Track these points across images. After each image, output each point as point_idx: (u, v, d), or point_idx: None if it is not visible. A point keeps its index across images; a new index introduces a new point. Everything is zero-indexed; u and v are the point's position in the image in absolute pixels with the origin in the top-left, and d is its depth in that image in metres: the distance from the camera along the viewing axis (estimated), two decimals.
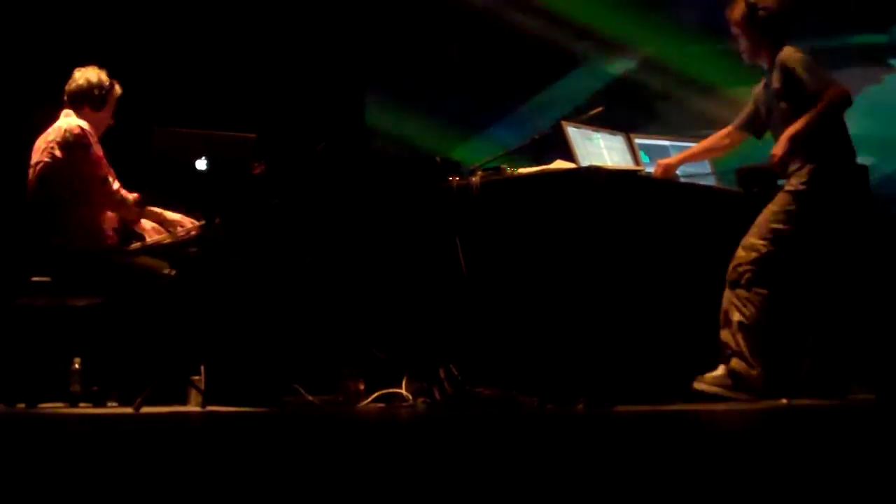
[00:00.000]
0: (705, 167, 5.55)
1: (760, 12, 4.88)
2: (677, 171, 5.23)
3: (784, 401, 4.72)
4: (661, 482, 2.09)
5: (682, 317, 4.87)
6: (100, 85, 5.22)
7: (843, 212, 4.82)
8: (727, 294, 4.78)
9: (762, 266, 4.75)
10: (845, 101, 4.74)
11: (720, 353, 4.76)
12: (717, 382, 4.70)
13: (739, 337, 4.72)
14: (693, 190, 5.27)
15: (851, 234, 4.88)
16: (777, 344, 4.93)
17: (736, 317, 4.74)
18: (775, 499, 1.91)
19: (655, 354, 4.78)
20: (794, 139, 4.71)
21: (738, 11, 4.94)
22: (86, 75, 5.23)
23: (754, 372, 4.70)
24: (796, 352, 5.01)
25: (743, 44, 4.98)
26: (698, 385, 4.69)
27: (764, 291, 4.75)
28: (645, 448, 2.82)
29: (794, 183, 4.81)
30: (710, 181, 5.52)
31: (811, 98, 4.72)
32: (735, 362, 4.71)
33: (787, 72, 4.79)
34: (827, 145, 4.80)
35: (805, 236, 4.79)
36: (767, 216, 4.81)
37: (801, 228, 4.78)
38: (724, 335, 4.76)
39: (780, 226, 4.78)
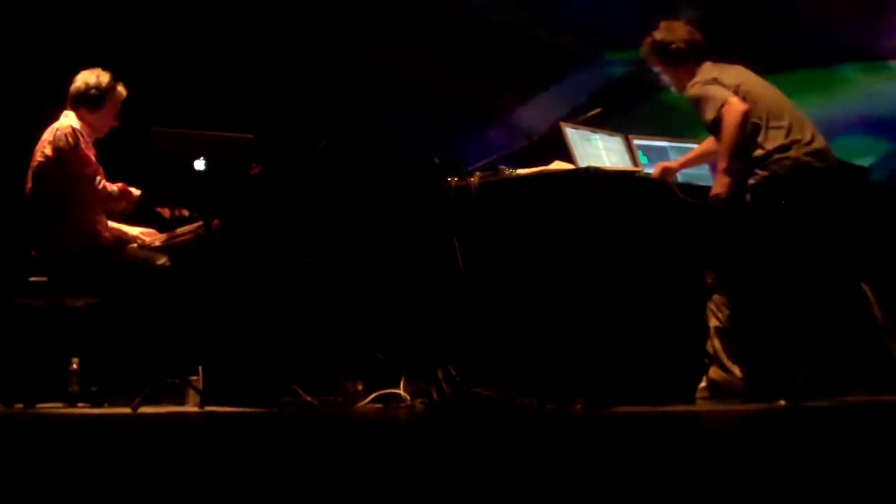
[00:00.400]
0: (703, 167, 5.54)
1: (672, 46, 4.93)
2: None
3: (782, 402, 4.73)
4: (659, 483, 2.09)
5: (680, 317, 4.87)
6: (97, 86, 5.22)
7: (796, 210, 4.79)
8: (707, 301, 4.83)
9: (724, 271, 4.78)
10: (743, 117, 4.72)
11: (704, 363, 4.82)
12: (700, 395, 4.78)
13: (716, 342, 4.77)
14: (692, 191, 5.26)
15: (849, 232, 4.88)
16: (775, 345, 4.94)
17: (712, 322, 4.81)
18: (773, 499, 1.91)
19: (654, 355, 4.79)
20: (725, 173, 4.73)
21: (645, 50, 5.03)
22: (84, 77, 5.25)
23: (731, 377, 4.72)
24: (794, 353, 5.01)
25: (666, 80, 5.05)
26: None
27: (725, 295, 4.76)
28: (643, 449, 2.82)
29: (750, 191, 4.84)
30: (710, 182, 5.51)
31: (714, 128, 4.75)
32: (712, 371, 4.75)
33: (693, 106, 4.85)
34: (764, 150, 4.78)
35: (762, 229, 4.78)
36: (725, 222, 4.83)
37: (756, 224, 4.78)
38: (706, 341, 4.80)
39: (733, 229, 4.79)
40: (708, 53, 4.97)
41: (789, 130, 4.81)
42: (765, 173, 4.77)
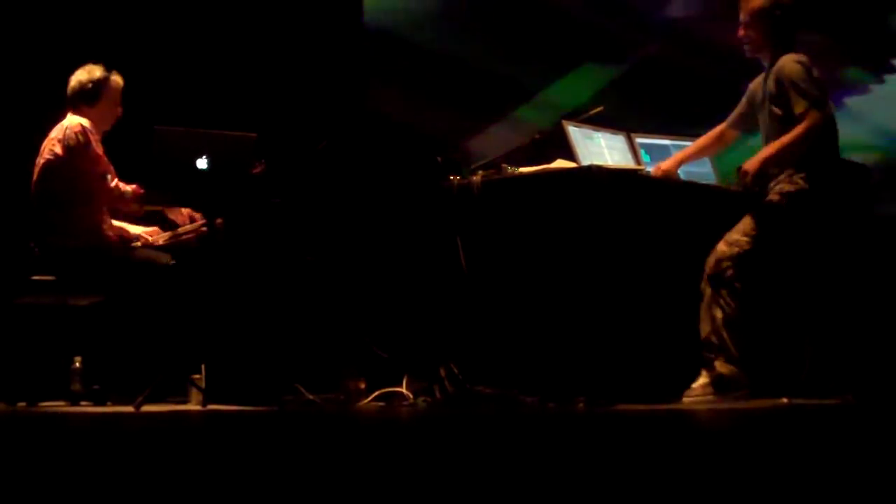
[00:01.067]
0: (706, 165, 5.54)
1: (777, 11, 4.87)
2: (678, 171, 5.23)
3: (784, 400, 4.72)
4: (661, 481, 2.09)
5: (682, 316, 4.86)
6: (90, 80, 5.24)
7: (829, 217, 4.81)
8: (708, 291, 4.77)
9: (743, 262, 4.75)
10: (818, 131, 4.74)
11: (702, 357, 4.74)
12: (703, 392, 4.69)
13: (725, 333, 4.71)
14: (694, 189, 5.26)
15: (849, 235, 4.88)
16: (777, 343, 4.93)
17: (719, 313, 4.73)
18: (775, 498, 1.91)
19: (656, 354, 4.78)
20: (767, 161, 4.73)
21: (757, 2, 4.91)
22: (77, 76, 5.27)
23: (738, 371, 4.69)
24: (797, 351, 5.01)
25: (749, 36, 4.95)
26: (687, 400, 4.68)
27: (739, 287, 4.74)
28: (645, 447, 2.82)
29: (779, 189, 4.81)
30: (711, 180, 5.51)
31: (796, 117, 4.73)
32: (719, 364, 4.69)
33: (782, 82, 4.80)
34: (811, 153, 4.78)
35: (789, 239, 4.78)
36: (753, 215, 4.81)
37: (784, 232, 4.77)
38: (706, 333, 4.74)
39: (764, 226, 4.77)
40: (795, 36, 4.92)
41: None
42: (802, 177, 4.77)
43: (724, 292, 4.73)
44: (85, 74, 5.26)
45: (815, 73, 4.84)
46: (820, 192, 4.78)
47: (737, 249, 4.76)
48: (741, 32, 4.97)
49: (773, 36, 4.90)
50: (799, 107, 4.74)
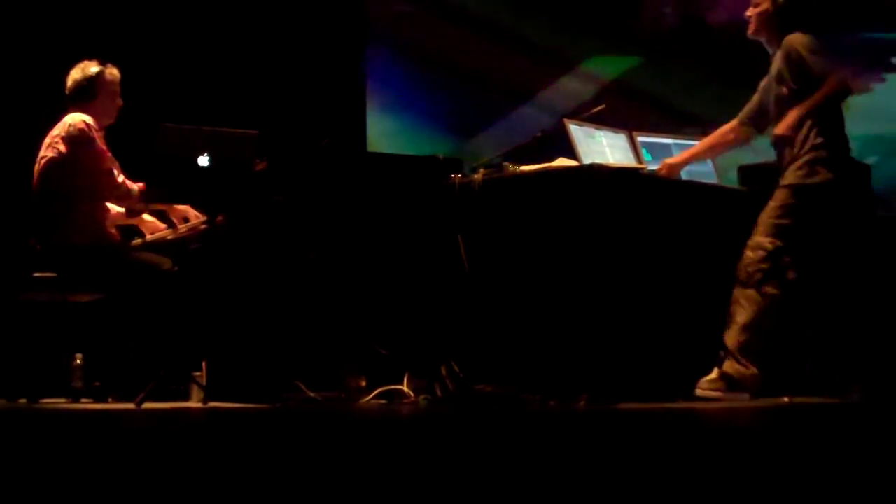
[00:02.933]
0: (707, 164, 5.53)
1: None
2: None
3: (786, 399, 4.72)
4: (663, 479, 2.09)
5: (684, 314, 4.87)
6: (84, 77, 5.23)
7: (842, 203, 4.80)
8: (735, 293, 4.77)
9: (771, 264, 4.73)
10: (846, 89, 4.74)
11: (718, 355, 4.75)
12: (711, 387, 4.70)
13: (743, 337, 4.69)
14: (695, 188, 5.26)
15: (852, 230, 4.87)
16: (780, 342, 4.93)
17: (741, 317, 4.72)
18: (777, 496, 1.91)
19: (658, 352, 4.78)
20: (800, 117, 4.70)
21: None
22: (71, 75, 5.27)
23: (748, 372, 4.68)
24: (799, 350, 5.01)
25: (755, 14, 4.94)
26: (698, 392, 4.70)
27: (775, 292, 4.72)
28: (647, 445, 2.82)
29: (790, 177, 4.80)
30: (713, 178, 5.51)
31: (816, 81, 4.71)
32: (727, 365, 4.70)
33: (791, 54, 4.77)
34: (822, 138, 4.77)
35: (808, 228, 4.76)
36: (769, 213, 4.80)
37: (803, 221, 4.76)
38: (726, 334, 4.74)
39: (783, 221, 4.76)
40: (800, 22, 4.90)
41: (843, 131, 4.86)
42: (822, 169, 4.75)
43: (750, 297, 4.73)
44: (79, 72, 5.25)
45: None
46: (823, 180, 4.76)
47: (762, 253, 4.75)
48: (749, 12, 4.96)
49: (777, 17, 4.89)
50: (819, 69, 4.72)
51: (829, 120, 4.78)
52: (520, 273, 4.90)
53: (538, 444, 2.93)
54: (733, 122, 5.15)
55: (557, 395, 4.68)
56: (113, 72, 5.28)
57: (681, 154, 5.25)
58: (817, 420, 3.86)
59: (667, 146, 5.55)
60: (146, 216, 5.37)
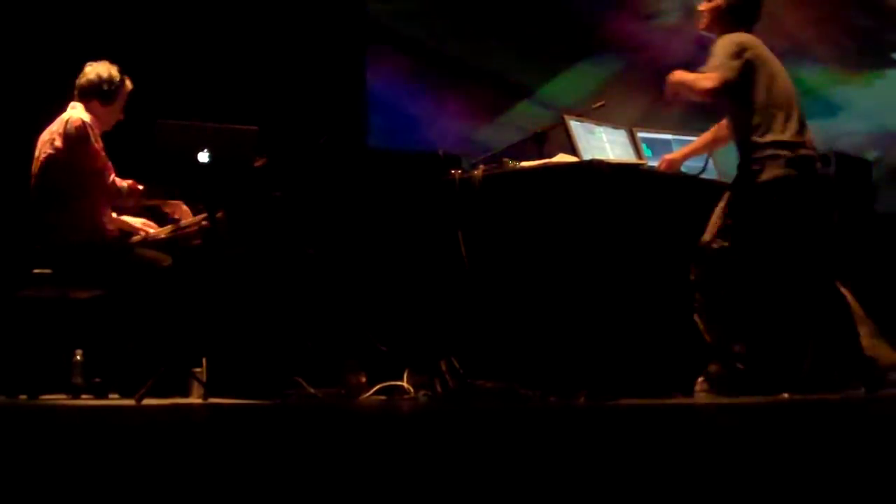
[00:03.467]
0: (707, 160, 5.53)
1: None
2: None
3: (786, 395, 4.72)
4: (662, 475, 2.09)
5: (683, 310, 4.86)
6: (110, 80, 5.23)
7: (791, 201, 4.75)
8: (696, 296, 4.77)
9: (717, 264, 4.73)
10: (706, 93, 4.72)
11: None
12: (700, 388, 4.72)
13: (713, 335, 4.71)
14: (694, 183, 5.26)
15: (849, 228, 4.87)
16: (779, 339, 4.93)
17: (705, 317, 4.73)
18: (776, 492, 1.91)
19: (657, 348, 4.78)
20: (676, 85, 4.78)
21: None
22: (97, 70, 5.24)
23: (728, 369, 4.69)
24: (799, 347, 5.01)
25: (707, 10, 4.93)
26: (697, 388, 4.71)
27: (721, 290, 4.73)
28: (646, 441, 2.82)
29: (736, 177, 4.81)
30: (712, 174, 5.51)
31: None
32: (711, 366, 4.71)
33: (713, 48, 4.79)
34: (758, 140, 4.74)
35: (754, 227, 4.75)
36: (716, 213, 4.79)
37: (746, 220, 4.74)
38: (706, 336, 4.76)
39: (727, 221, 4.76)
40: (747, 23, 4.90)
41: (801, 125, 4.80)
42: (779, 164, 4.72)
43: (706, 297, 4.73)
44: (106, 73, 5.23)
45: (754, 55, 4.78)
46: (757, 180, 4.73)
47: (708, 253, 4.75)
48: (702, 6, 4.97)
49: (726, 16, 4.88)
50: (710, 64, 4.72)
51: (774, 118, 4.75)
52: (520, 269, 4.91)
53: (538, 439, 2.94)
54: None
55: (557, 390, 4.68)
56: (129, 84, 5.30)
57: (680, 150, 5.26)
58: (817, 417, 3.86)
59: (667, 142, 5.55)
60: (126, 217, 5.37)
